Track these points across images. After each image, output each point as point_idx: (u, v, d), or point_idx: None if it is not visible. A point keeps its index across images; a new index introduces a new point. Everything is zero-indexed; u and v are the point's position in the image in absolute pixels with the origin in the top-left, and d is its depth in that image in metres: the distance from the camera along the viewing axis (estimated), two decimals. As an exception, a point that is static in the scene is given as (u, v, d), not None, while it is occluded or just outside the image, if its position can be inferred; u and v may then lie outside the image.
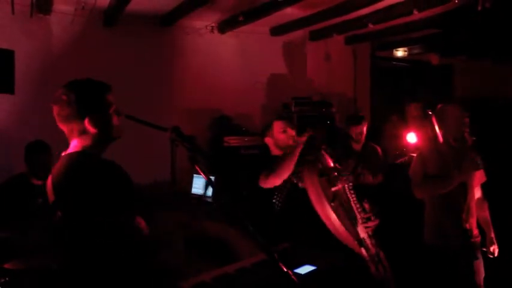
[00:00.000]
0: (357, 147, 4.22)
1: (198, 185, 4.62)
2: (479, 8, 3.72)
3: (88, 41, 4.60)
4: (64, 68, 4.39)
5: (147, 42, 4.94)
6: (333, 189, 2.63)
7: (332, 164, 2.79)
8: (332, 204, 2.53)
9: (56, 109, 1.78)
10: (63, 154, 1.82)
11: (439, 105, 3.11)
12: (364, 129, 4.21)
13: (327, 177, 2.64)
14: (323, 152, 2.82)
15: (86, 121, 1.76)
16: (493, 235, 3.08)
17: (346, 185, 2.67)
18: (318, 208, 2.55)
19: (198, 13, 4.49)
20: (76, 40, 4.53)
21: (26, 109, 4.23)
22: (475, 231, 3.00)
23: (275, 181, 2.82)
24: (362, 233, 2.59)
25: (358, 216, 2.62)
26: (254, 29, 5.32)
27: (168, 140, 2.03)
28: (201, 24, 5.12)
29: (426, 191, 3.04)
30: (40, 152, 3.50)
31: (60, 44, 4.49)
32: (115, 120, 1.84)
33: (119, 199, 1.69)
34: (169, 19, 4.80)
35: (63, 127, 1.80)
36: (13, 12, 3.87)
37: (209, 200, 4.36)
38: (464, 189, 2.96)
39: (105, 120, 1.80)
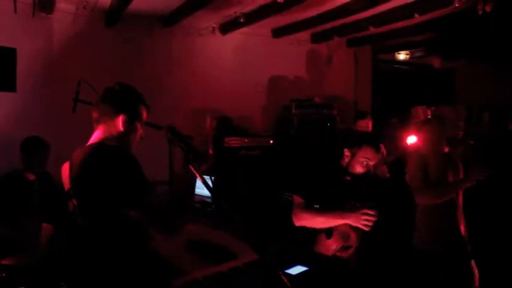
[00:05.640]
0: None
1: (201, 185, 4.60)
2: (480, 12, 3.72)
3: (89, 40, 4.62)
4: (65, 66, 4.42)
5: (149, 42, 4.95)
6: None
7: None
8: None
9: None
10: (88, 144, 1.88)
11: (434, 108, 3.10)
12: (370, 124, 4.21)
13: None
14: None
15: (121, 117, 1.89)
16: None
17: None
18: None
19: (200, 14, 4.50)
20: (77, 39, 4.55)
21: (27, 107, 4.25)
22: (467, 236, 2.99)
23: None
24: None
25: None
26: (256, 31, 5.33)
27: (166, 140, 2.05)
28: (203, 24, 5.14)
29: (428, 197, 2.95)
30: (40, 148, 3.52)
31: (62, 43, 4.51)
32: (139, 133, 1.97)
33: (134, 192, 1.72)
34: (171, 19, 4.81)
35: (95, 112, 1.92)
36: (15, 11, 3.91)
37: (208, 200, 4.36)
38: (458, 195, 2.95)
39: (132, 127, 1.93)
